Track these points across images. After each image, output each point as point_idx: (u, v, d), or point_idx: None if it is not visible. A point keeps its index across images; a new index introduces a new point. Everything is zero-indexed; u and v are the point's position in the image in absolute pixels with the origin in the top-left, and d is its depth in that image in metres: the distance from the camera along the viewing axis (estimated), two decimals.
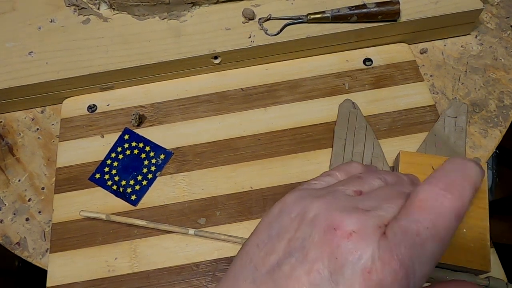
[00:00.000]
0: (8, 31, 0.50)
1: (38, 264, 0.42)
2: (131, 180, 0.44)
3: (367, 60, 0.49)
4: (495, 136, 0.45)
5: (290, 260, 0.21)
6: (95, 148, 0.47)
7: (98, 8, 0.51)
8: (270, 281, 0.21)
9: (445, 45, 0.51)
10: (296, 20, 0.48)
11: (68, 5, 0.51)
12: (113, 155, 0.46)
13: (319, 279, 0.20)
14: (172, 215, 0.42)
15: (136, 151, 0.46)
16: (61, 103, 0.50)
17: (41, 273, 0.42)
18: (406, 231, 0.20)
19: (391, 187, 0.25)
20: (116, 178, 0.45)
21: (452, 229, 0.21)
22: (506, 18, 0.52)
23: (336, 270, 0.20)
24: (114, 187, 0.44)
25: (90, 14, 0.50)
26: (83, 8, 0.51)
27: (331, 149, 0.44)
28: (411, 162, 0.40)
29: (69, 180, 0.45)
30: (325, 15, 0.47)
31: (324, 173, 0.28)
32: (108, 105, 0.49)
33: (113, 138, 0.47)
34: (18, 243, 0.43)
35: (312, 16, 0.47)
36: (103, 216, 0.42)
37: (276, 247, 0.22)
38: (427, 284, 0.24)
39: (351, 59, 0.50)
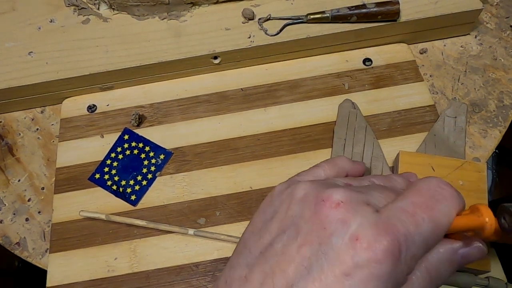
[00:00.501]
0: (8, 31, 0.50)
1: (38, 264, 0.42)
2: (131, 180, 0.44)
3: (366, 60, 0.49)
4: (495, 136, 0.45)
5: (282, 238, 0.21)
6: (94, 148, 0.47)
7: (98, 8, 0.51)
8: (263, 260, 0.21)
9: (444, 45, 0.51)
10: (296, 20, 0.48)
11: (68, 5, 0.51)
12: (112, 155, 0.46)
13: (309, 252, 0.20)
14: (172, 215, 0.42)
15: (136, 151, 0.46)
16: (61, 103, 0.50)
17: (41, 273, 0.42)
18: (402, 210, 0.21)
19: (379, 185, 0.26)
20: (116, 178, 0.45)
21: (449, 218, 0.21)
22: (506, 18, 0.52)
23: (325, 240, 0.20)
24: (114, 187, 0.44)
25: (90, 14, 0.50)
26: (83, 8, 0.51)
27: (331, 149, 0.44)
28: (410, 162, 0.40)
29: (69, 180, 0.45)
30: (325, 15, 0.47)
31: (313, 166, 0.29)
32: (108, 105, 0.49)
33: (113, 138, 0.47)
34: (18, 243, 0.43)
35: (311, 16, 0.47)
36: (103, 216, 0.42)
37: (270, 229, 0.22)
38: None
39: (351, 59, 0.50)
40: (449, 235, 0.22)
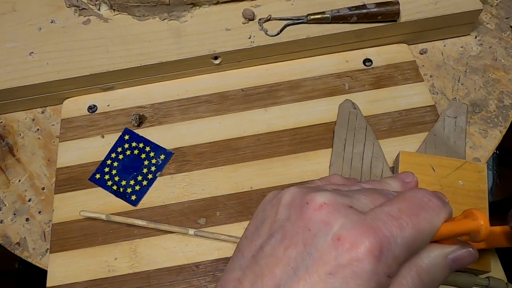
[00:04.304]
0: (9, 32, 0.50)
1: (38, 264, 0.42)
2: (131, 180, 0.44)
3: (367, 61, 0.49)
4: (495, 136, 0.45)
5: (271, 241, 0.22)
6: (95, 148, 0.47)
7: (99, 9, 0.51)
8: (254, 263, 0.22)
9: (445, 46, 0.51)
10: (296, 21, 0.48)
11: (68, 6, 0.51)
12: (113, 155, 0.46)
13: (295, 253, 0.21)
14: (172, 215, 0.42)
15: (136, 151, 0.46)
16: (62, 103, 0.50)
17: (42, 274, 0.42)
18: (386, 213, 0.21)
19: (368, 188, 0.26)
20: (116, 178, 0.45)
21: (433, 226, 0.22)
22: (506, 18, 0.52)
23: (309, 241, 0.21)
24: (114, 187, 0.44)
25: (90, 15, 0.50)
26: (84, 9, 0.51)
27: (331, 149, 0.44)
28: (411, 162, 0.40)
29: (69, 180, 0.45)
30: (325, 15, 0.47)
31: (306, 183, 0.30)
32: (108, 105, 0.49)
33: (113, 138, 0.47)
34: (18, 243, 0.43)
35: (312, 17, 0.47)
36: (103, 216, 0.42)
37: (260, 233, 0.24)
38: None
39: (351, 59, 0.50)
40: (442, 240, 0.23)
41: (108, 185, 0.44)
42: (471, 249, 0.23)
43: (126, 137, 0.47)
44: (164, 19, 0.50)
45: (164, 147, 0.46)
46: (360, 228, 0.20)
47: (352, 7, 0.47)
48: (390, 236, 0.20)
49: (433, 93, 0.48)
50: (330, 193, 0.22)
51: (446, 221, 0.22)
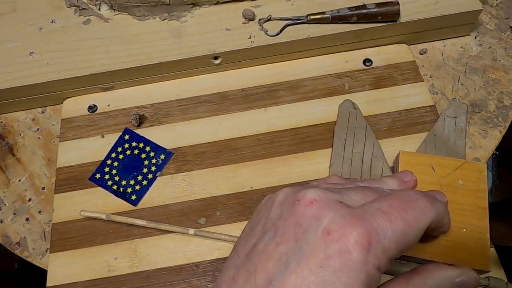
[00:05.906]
0: (9, 32, 0.50)
1: (38, 264, 0.42)
2: (131, 180, 0.44)
3: (367, 61, 0.50)
4: (495, 137, 0.45)
5: (264, 239, 0.23)
6: (95, 148, 0.47)
7: (99, 9, 0.51)
8: (248, 261, 0.23)
9: (444, 46, 0.51)
10: (296, 21, 0.48)
11: (69, 6, 0.51)
12: (113, 155, 0.46)
13: (286, 248, 0.21)
14: (172, 215, 0.42)
15: (136, 151, 0.46)
16: (62, 103, 0.50)
17: (41, 275, 0.42)
18: (376, 208, 0.22)
19: (361, 186, 0.27)
20: (116, 178, 0.45)
21: (420, 224, 0.23)
22: (506, 19, 0.52)
23: (300, 236, 0.21)
24: (114, 187, 0.44)
25: (90, 15, 0.50)
26: (84, 9, 0.51)
27: (331, 149, 0.44)
28: (411, 162, 0.40)
29: (69, 180, 0.45)
30: (325, 15, 0.47)
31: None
32: (108, 105, 0.49)
33: (113, 138, 0.47)
34: (18, 243, 0.43)
35: (312, 17, 0.47)
36: (103, 216, 0.42)
37: (255, 233, 0.24)
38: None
39: (351, 59, 0.50)
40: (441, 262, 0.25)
41: (108, 185, 0.44)
42: (475, 275, 0.24)
43: (126, 137, 0.47)
44: (164, 19, 0.50)
45: (164, 147, 0.46)
46: (349, 221, 0.21)
47: (352, 7, 0.47)
48: (379, 228, 0.21)
49: (433, 93, 0.48)
50: (320, 190, 0.23)
51: (434, 221, 0.23)
